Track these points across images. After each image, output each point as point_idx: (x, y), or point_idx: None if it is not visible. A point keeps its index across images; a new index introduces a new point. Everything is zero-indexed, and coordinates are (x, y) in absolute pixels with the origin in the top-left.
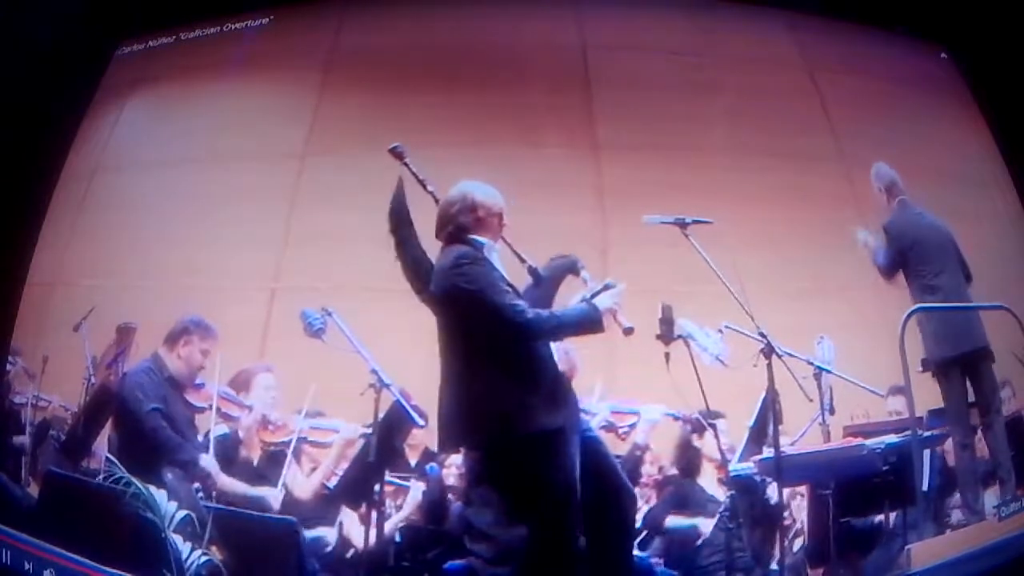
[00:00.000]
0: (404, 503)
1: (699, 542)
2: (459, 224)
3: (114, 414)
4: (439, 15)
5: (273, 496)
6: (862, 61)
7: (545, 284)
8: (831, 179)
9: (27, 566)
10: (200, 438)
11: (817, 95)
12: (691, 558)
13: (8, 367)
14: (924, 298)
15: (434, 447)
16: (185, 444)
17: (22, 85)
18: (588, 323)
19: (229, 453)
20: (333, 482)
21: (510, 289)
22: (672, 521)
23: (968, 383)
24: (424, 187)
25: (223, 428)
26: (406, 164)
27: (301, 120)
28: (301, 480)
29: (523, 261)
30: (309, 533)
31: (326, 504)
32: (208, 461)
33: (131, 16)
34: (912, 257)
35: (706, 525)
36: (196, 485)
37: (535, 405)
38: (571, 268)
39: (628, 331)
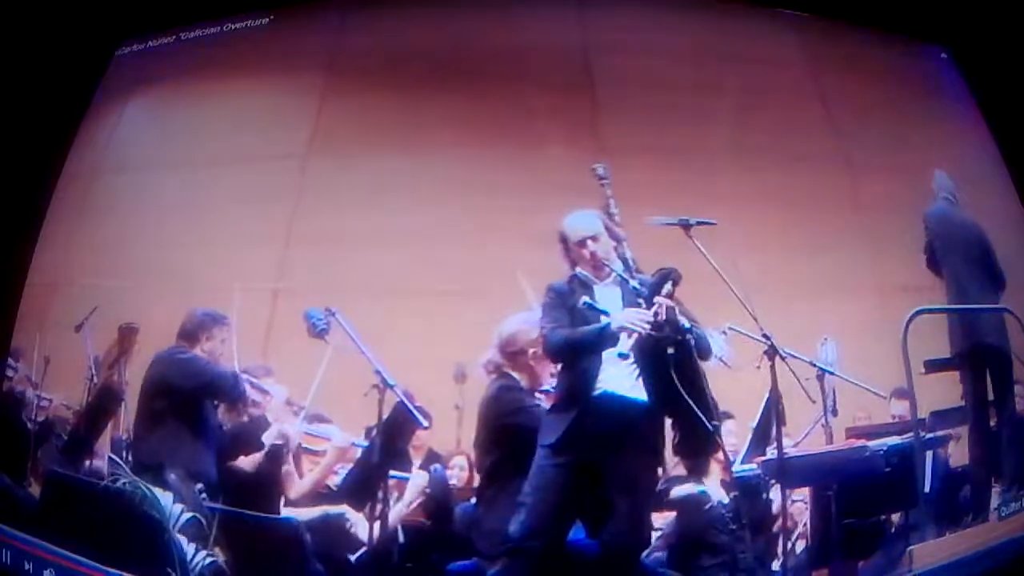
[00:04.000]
0: (405, 492)
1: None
2: (566, 261)
3: (146, 396)
4: (442, 16)
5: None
6: (863, 62)
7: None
8: (834, 180)
9: (27, 566)
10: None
11: (819, 96)
12: (695, 559)
13: (9, 372)
14: (949, 297)
15: (438, 448)
16: (239, 376)
17: (22, 85)
18: (598, 341)
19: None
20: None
21: (563, 312)
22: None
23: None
24: (610, 215)
25: None
26: (603, 186)
27: (304, 120)
28: (296, 482)
29: (626, 282)
30: None
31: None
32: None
33: (131, 16)
34: (938, 249)
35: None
36: (199, 486)
37: (546, 420)
38: (663, 280)
39: (623, 357)
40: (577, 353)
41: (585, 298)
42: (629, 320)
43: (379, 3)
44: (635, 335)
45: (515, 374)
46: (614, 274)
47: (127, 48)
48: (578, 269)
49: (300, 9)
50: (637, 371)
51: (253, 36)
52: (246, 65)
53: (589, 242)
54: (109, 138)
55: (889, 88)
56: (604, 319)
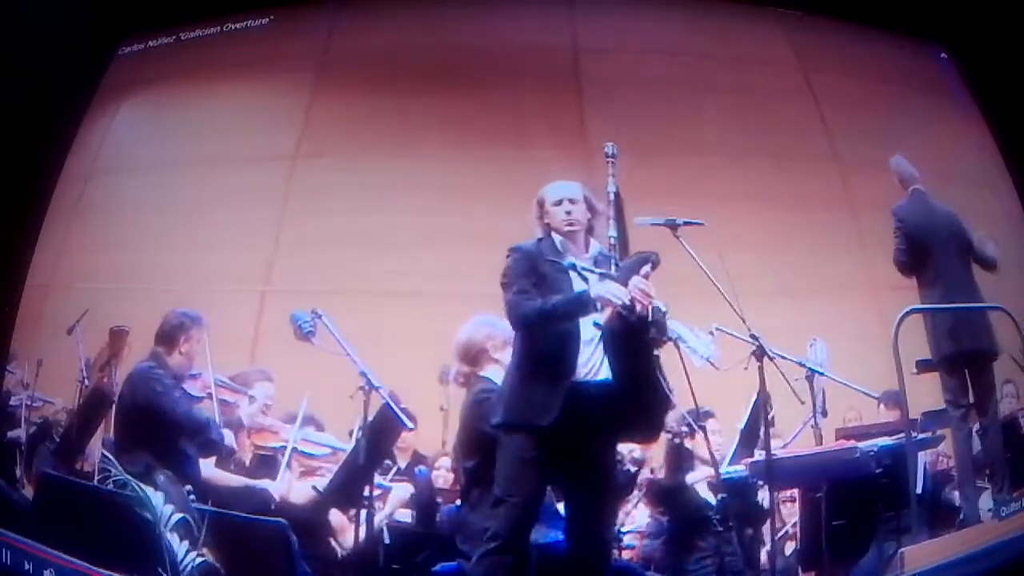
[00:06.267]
0: (386, 502)
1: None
2: (540, 227)
3: (122, 413)
4: (431, 17)
5: (273, 489)
6: (861, 61)
7: (620, 280)
8: (825, 180)
9: (27, 566)
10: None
11: (812, 96)
12: (681, 561)
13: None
14: (926, 293)
15: (423, 449)
16: (212, 422)
17: (22, 85)
18: (575, 308)
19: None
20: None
21: (529, 277)
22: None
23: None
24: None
25: None
26: (608, 164)
27: (293, 122)
28: (296, 484)
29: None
30: None
31: (316, 507)
32: (231, 439)
33: (131, 16)
34: (916, 244)
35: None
36: (187, 487)
37: (522, 400)
38: (642, 263)
39: (597, 326)
40: (551, 323)
41: (572, 259)
42: (608, 291)
43: (369, 5)
44: (609, 308)
45: (487, 374)
46: (590, 254)
47: (127, 48)
48: (553, 235)
49: (293, 10)
50: (605, 359)
51: (248, 37)
52: (238, 66)
53: (566, 202)
54: (104, 140)
55: (887, 87)
56: (580, 285)
